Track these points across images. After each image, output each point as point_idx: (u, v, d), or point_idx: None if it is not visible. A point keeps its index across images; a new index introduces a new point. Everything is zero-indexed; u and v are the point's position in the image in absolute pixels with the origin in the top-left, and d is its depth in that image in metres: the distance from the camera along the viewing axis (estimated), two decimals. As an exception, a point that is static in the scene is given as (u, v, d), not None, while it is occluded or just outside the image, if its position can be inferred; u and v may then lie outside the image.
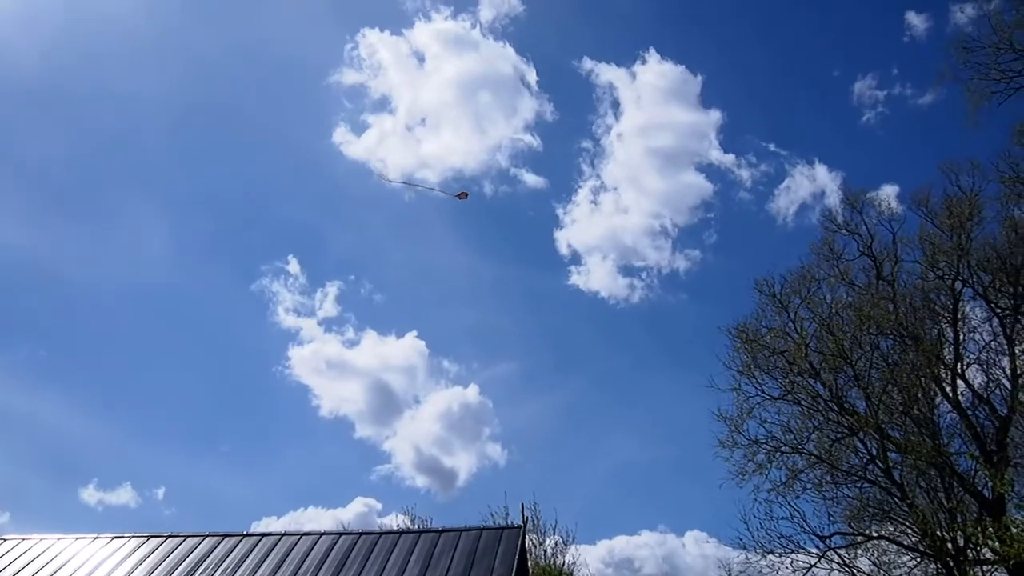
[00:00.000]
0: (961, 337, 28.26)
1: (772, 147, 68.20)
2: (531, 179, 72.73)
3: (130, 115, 70.15)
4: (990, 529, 23.55)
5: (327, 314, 71.77)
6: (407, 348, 68.78)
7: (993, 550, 24.28)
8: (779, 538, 27.97)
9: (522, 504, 26.05)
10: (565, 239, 73.42)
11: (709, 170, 71.76)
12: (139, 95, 68.39)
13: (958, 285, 28.31)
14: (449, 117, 74.58)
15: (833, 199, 59.60)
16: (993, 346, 27.94)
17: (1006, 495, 25.35)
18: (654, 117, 71.38)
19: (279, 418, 73.56)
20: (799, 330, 29.80)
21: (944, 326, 28.64)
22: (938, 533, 26.50)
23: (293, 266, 69.72)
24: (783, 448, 28.85)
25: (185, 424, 70.77)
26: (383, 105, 78.71)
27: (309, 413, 70.22)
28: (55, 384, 64.29)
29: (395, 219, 72.36)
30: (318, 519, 53.82)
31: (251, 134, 72.77)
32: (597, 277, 70.08)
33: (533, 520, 32.43)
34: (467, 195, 17.53)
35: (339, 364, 67.43)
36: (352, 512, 60.06)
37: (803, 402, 29.27)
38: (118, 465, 66.68)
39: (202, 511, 67.09)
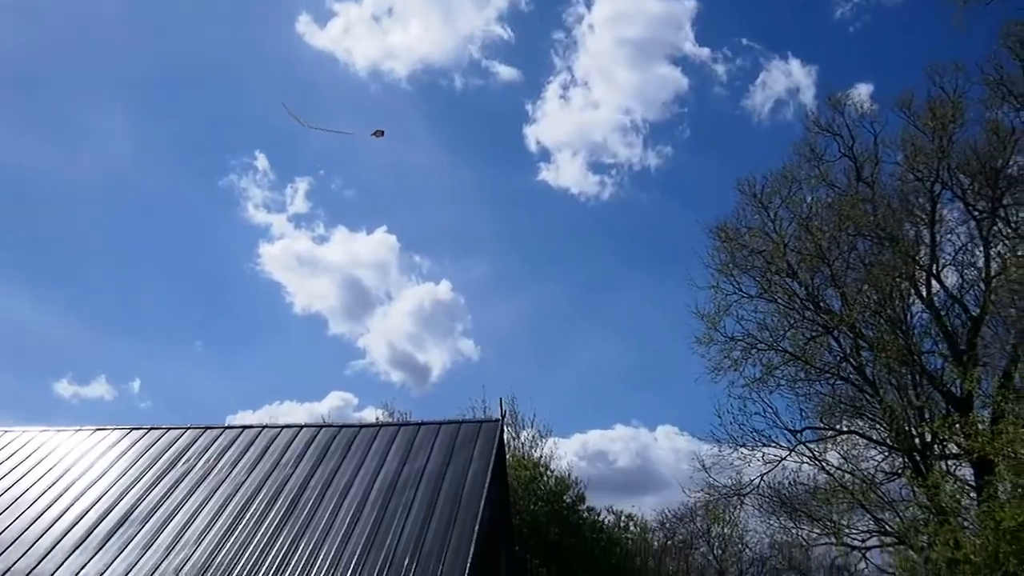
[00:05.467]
0: (938, 239, 28.53)
1: (745, 41, 66.39)
2: (504, 71, 70.47)
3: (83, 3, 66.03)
4: (957, 425, 24.08)
5: (297, 210, 70.02)
6: (378, 244, 67.70)
7: (959, 445, 24.93)
8: (752, 432, 28.65)
9: (500, 398, 26.19)
10: (534, 135, 71.72)
11: (684, 63, 69.84)
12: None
13: (937, 187, 28.36)
14: (417, 7, 71.90)
15: (807, 96, 58.85)
16: (969, 248, 28.33)
17: (974, 392, 25.99)
18: (625, 6, 68.73)
19: (252, 315, 72.62)
20: (778, 230, 29.81)
21: (921, 228, 28.85)
22: (906, 428, 27.25)
23: (261, 161, 67.81)
24: (759, 345, 29.21)
25: (158, 319, 69.39)
26: (349, -7, 73.23)
27: (282, 310, 69.34)
28: (24, 281, 62.06)
29: (364, 114, 69.87)
30: (293, 413, 53.76)
31: (211, 25, 69.74)
32: (567, 174, 69.04)
33: (511, 414, 32.71)
34: (383, 133, 17.07)
35: (310, 261, 66.29)
36: (328, 406, 60.11)
37: (780, 301, 29.53)
38: (92, 359, 65.36)
39: (177, 404, 66.61)
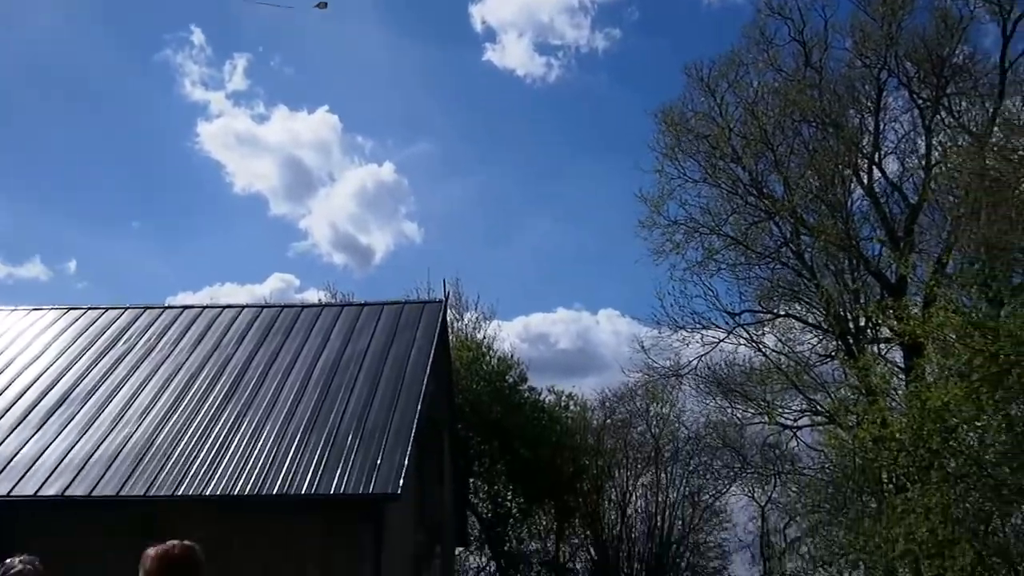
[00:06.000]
0: (881, 127, 28.91)
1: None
2: (447, -55, 68.09)
3: None
4: (890, 310, 24.68)
5: (236, 87, 67.67)
6: (319, 123, 65.73)
7: (891, 329, 25.59)
8: (691, 315, 29.35)
9: (444, 279, 26.29)
10: (480, 14, 69.88)
11: (633, -58, 67.92)
12: None
13: (883, 75, 28.50)
14: None
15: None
16: (911, 136, 28.69)
17: (908, 278, 26.66)
18: None
19: (191, 195, 70.53)
20: (724, 114, 29.78)
21: (866, 115, 29.12)
22: (842, 312, 28.03)
23: (197, 36, 64.55)
24: (701, 229, 29.60)
25: (93, 199, 67.29)
26: None
27: (222, 190, 67.78)
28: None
29: (304, -12, 66.60)
30: (235, 295, 53.34)
31: None
32: (513, 55, 67.40)
33: (455, 296, 32.74)
34: (325, 5, 16.38)
35: (250, 140, 64.26)
36: (269, 288, 59.71)
37: (723, 185, 29.74)
38: (25, 239, 63.41)
39: (115, 286, 65.43)
